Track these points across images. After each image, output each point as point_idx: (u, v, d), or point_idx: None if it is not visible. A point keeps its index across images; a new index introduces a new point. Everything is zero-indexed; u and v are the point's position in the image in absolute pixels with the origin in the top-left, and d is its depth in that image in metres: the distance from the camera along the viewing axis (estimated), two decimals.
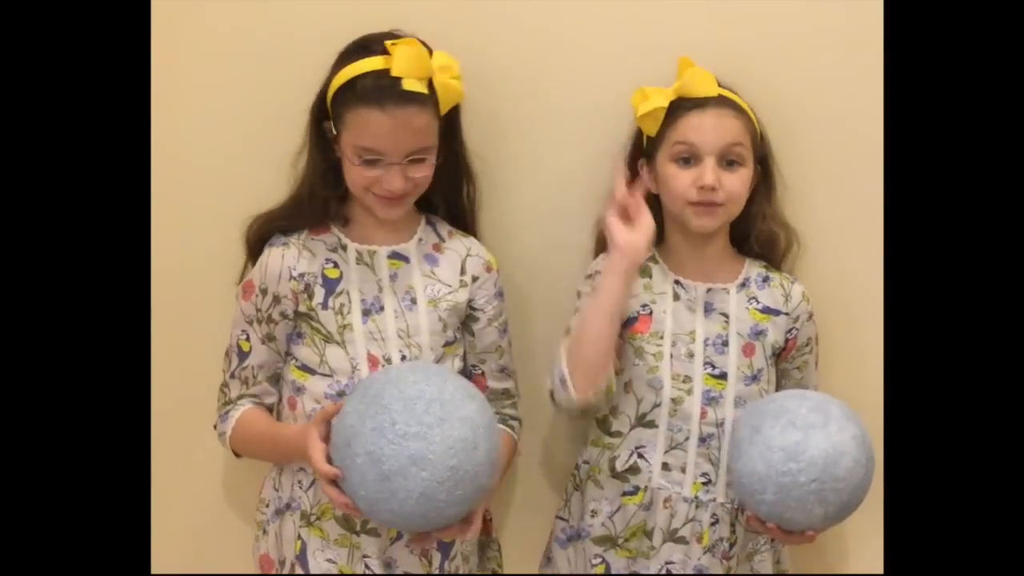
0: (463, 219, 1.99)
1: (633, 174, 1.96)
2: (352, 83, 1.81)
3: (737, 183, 1.89)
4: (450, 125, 1.90)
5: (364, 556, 1.86)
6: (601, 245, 1.99)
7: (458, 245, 1.95)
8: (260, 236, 1.93)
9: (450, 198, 1.97)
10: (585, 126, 2.03)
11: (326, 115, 1.86)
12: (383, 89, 1.79)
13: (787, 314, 1.96)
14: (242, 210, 1.94)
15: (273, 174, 1.95)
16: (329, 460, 1.72)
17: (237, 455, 1.95)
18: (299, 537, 1.88)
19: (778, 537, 1.87)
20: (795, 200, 2.02)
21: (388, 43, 1.81)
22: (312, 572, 1.86)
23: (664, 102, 1.89)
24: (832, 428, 1.77)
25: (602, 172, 1.98)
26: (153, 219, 1.84)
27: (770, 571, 1.99)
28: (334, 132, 1.84)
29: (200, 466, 2.11)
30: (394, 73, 1.79)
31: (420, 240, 1.93)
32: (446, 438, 1.65)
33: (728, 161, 1.89)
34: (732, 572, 1.95)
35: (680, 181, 1.89)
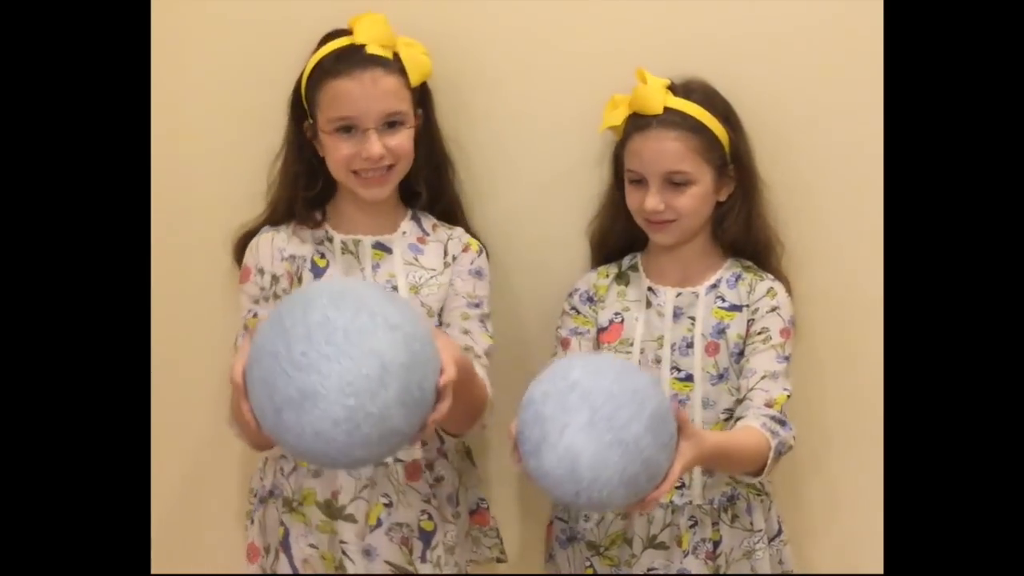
0: (453, 212, 1.99)
1: (619, 183, 1.96)
2: (320, 64, 1.85)
3: (686, 201, 1.88)
4: (423, 105, 1.91)
5: (341, 542, 1.86)
6: (596, 252, 2.03)
7: (442, 235, 1.95)
8: (245, 246, 1.94)
9: (432, 186, 1.96)
10: (579, 123, 2.00)
11: (303, 112, 1.89)
12: (347, 57, 1.83)
13: (747, 306, 1.93)
14: (243, 206, 1.96)
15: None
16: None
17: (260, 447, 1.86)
18: (281, 523, 1.88)
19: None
20: (792, 205, 2.00)
21: (351, 19, 1.84)
22: (295, 557, 1.86)
23: (618, 120, 1.91)
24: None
25: (595, 169, 2.00)
26: (153, 215, 1.85)
27: (768, 571, 1.95)
28: (311, 120, 1.87)
29: (199, 466, 2.13)
30: (357, 42, 1.83)
31: (404, 233, 1.93)
32: (344, 372, 1.48)
33: (674, 182, 1.87)
34: (725, 572, 1.92)
35: (633, 200, 1.92)
